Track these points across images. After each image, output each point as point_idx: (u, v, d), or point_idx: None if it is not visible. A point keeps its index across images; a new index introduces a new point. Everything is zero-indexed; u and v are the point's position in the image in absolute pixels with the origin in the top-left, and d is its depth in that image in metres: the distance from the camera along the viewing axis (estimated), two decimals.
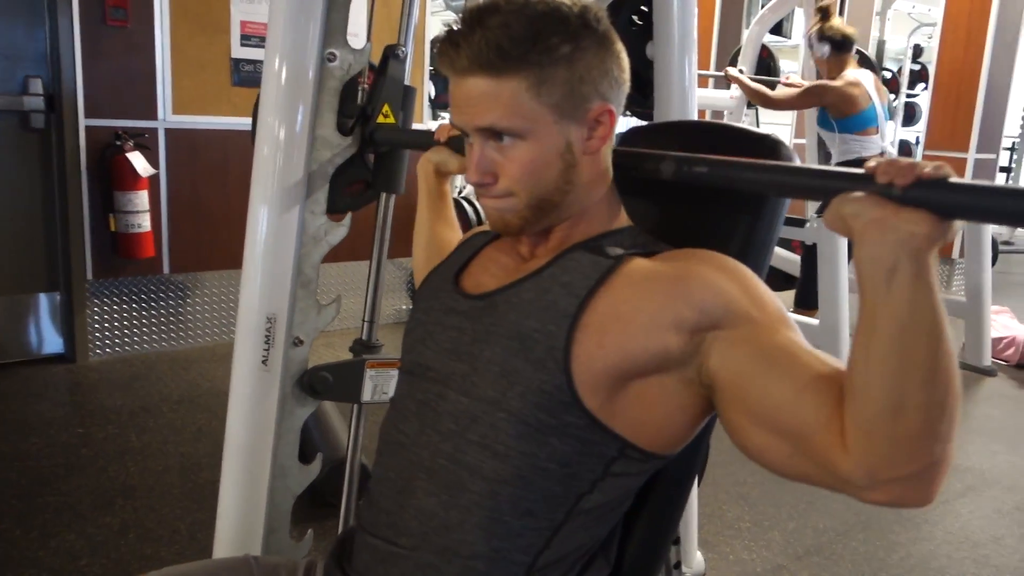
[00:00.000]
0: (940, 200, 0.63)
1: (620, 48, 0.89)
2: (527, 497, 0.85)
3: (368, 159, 1.53)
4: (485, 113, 0.86)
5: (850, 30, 3.65)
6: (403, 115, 1.52)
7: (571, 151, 0.89)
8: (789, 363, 0.76)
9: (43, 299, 3.44)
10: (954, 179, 0.63)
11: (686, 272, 0.84)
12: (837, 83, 3.61)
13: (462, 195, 4.39)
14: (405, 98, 1.52)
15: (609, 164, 0.94)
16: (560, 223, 0.93)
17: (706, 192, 0.95)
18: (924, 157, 5.45)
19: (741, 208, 0.97)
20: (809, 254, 3.85)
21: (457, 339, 0.93)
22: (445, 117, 4.73)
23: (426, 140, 1.31)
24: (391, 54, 1.51)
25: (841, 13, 6.83)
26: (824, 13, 3.66)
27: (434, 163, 1.28)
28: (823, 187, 0.73)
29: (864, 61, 3.96)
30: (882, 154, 3.65)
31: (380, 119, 1.48)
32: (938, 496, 0.68)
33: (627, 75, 0.91)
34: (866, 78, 3.70)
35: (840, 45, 3.63)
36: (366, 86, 1.53)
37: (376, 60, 1.54)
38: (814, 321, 3.53)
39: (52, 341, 3.48)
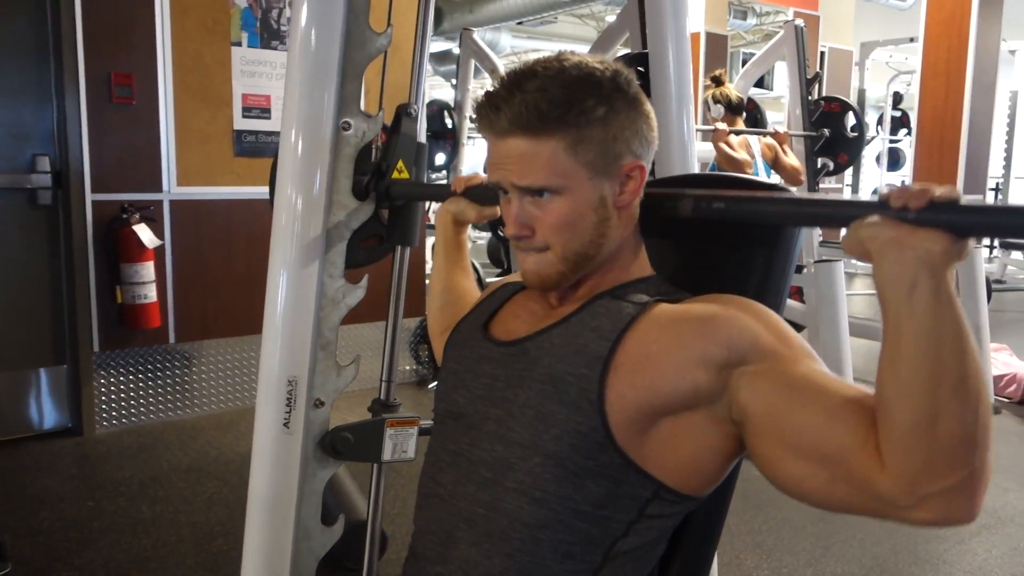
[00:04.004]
0: (953, 220, 0.66)
1: (649, 108, 0.95)
2: (566, 540, 0.88)
3: (383, 215, 1.57)
4: (525, 172, 0.90)
5: (737, 95, 4.07)
6: (416, 170, 1.56)
7: (604, 205, 0.93)
8: (819, 389, 0.78)
9: (50, 373, 3.45)
10: (964, 201, 0.65)
11: (712, 312, 0.87)
12: (732, 154, 3.94)
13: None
14: (418, 154, 1.57)
15: (637, 216, 0.99)
16: (592, 274, 0.97)
17: (722, 230, 0.98)
18: None
19: (758, 243, 1.00)
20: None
21: (490, 385, 0.96)
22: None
23: (443, 192, 1.36)
24: (404, 113, 1.56)
25: (821, 65, 7.04)
26: (716, 80, 4.11)
27: (452, 213, 1.32)
28: (840, 215, 0.75)
29: (752, 121, 4.40)
30: None
31: (395, 174, 1.52)
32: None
33: (656, 133, 0.96)
34: (751, 140, 4.07)
35: (730, 107, 4.04)
36: (379, 145, 1.58)
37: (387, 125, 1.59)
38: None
39: (59, 415, 3.48)
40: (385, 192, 1.53)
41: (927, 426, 0.67)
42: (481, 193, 1.29)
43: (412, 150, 1.56)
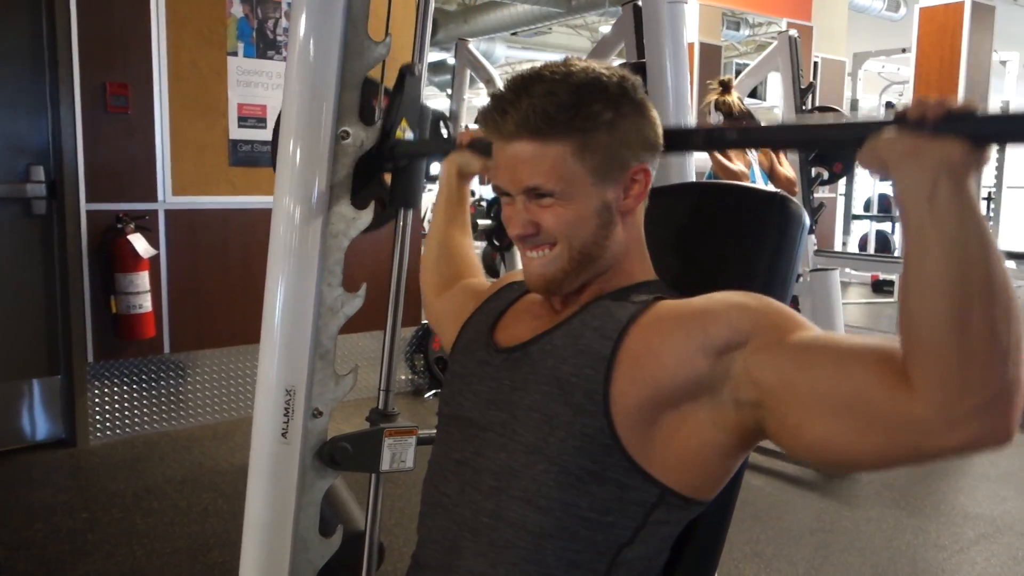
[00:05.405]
0: (971, 128, 0.65)
1: (655, 114, 0.95)
2: (571, 548, 0.87)
3: (384, 180, 1.55)
4: (531, 175, 0.90)
5: (740, 107, 3.93)
6: (419, 132, 1.54)
7: (608, 210, 0.93)
8: (825, 345, 0.77)
9: (44, 384, 3.43)
10: (981, 112, 0.65)
11: (712, 301, 0.88)
12: (728, 164, 3.84)
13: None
14: (421, 115, 1.54)
15: (642, 221, 0.99)
16: (595, 279, 0.97)
17: (726, 228, 0.98)
18: None
19: (762, 243, 1.00)
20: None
21: (496, 389, 0.96)
22: None
23: (448, 146, 1.34)
24: (407, 72, 1.53)
25: (814, 75, 7.07)
26: (724, 86, 3.96)
27: (457, 164, 1.30)
28: (857, 134, 0.73)
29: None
30: None
31: (398, 134, 1.50)
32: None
33: (661, 140, 0.96)
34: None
35: (730, 118, 3.90)
36: (382, 106, 1.55)
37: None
38: None
39: (52, 426, 3.45)
40: (389, 152, 1.49)
41: (958, 331, 0.65)
42: (486, 146, 1.27)
43: (416, 110, 1.53)
